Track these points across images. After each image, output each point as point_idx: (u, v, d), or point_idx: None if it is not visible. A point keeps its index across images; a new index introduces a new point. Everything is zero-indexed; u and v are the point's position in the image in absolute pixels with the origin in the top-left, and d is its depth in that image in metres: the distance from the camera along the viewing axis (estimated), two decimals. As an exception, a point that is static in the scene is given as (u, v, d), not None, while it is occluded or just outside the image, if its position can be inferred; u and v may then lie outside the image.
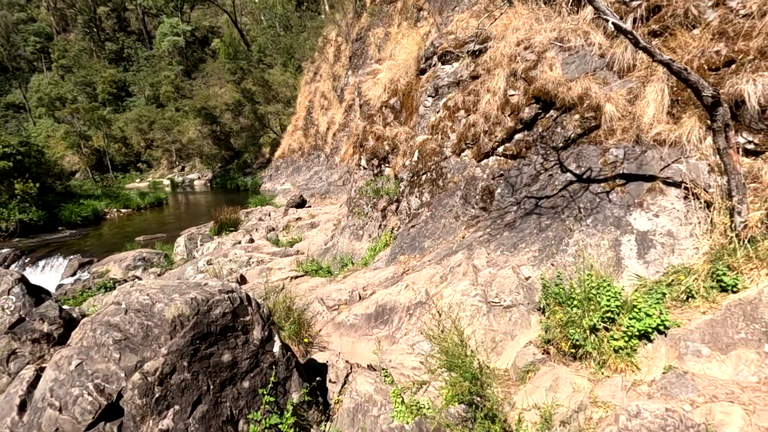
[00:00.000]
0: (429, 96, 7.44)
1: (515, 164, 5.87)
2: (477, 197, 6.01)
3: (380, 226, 7.88)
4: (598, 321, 3.19)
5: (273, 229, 11.02)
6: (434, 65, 7.58)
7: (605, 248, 4.08)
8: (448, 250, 5.57)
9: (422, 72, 7.86)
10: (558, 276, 3.92)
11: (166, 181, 43.67)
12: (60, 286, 9.68)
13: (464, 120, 6.60)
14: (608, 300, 3.22)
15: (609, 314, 3.19)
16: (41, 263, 12.27)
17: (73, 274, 10.72)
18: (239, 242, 9.32)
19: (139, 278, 8.00)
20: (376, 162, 8.39)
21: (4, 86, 61.56)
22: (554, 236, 4.50)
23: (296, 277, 6.25)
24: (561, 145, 5.34)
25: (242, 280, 6.68)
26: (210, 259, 8.39)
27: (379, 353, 3.98)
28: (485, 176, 6.12)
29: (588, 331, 3.23)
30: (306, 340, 4.47)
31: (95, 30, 66.58)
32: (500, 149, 6.07)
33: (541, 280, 4.01)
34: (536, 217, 4.92)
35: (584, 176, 4.85)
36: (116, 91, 59.06)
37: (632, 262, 3.92)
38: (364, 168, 8.69)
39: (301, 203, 15.27)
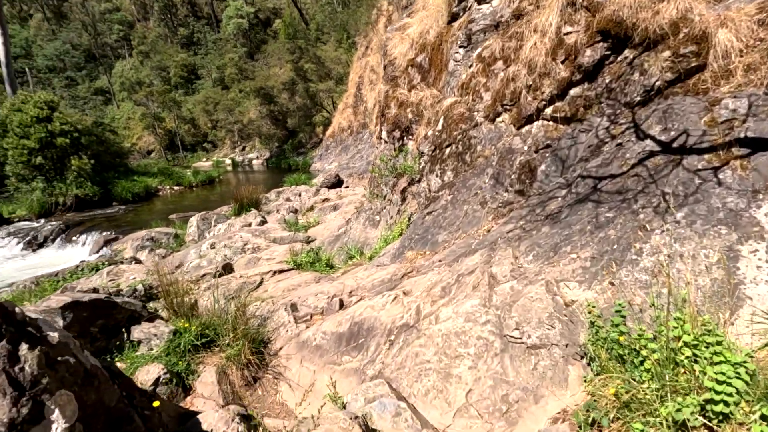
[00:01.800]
0: (460, 47, 5.82)
1: (568, 130, 4.17)
2: (513, 176, 4.42)
3: (399, 211, 6.51)
4: (692, 415, 1.64)
5: (296, 211, 10.07)
6: (469, 7, 5.91)
7: (710, 263, 2.41)
8: (466, 248, 4.09)
9: (454, 18, 6.22)
10: (620, 306, 2.35)
11: (228, 161, 45.25)
12: (82, 261, 9.51)
13: (502, 74, 4.95)
14: (719, 375, 1.64)
15: (718, 405, 1.62)
16: (81, 238, 12.44)
17: (98, 251, 10.61)
18: (249, 224, 8.45)
19: (138, 260, 7.43)
20: (397, 134, 6.95)
21: (93, 73, 67.10)
22: (618, 238, 2.87)
23: (282, 271, 5.15)
24: (638, 99, 3.58)
25: (228, 269, 5.72)
26: (214, 242, 7.58)
27: (334, 401, 2.71)
28: (525, 148, 4.49)
29: (671, 430, 1.69)
30: (247, 362, 3.31)
31: (170, 16, 70.23)
32: (548, 110, 4.39)
33: (591, 311, 2.46)
34: (593, 207, 3.28)
35: (674, 144, 3.11)
36: (187, 75, 62.05)
37: (762, 290, 2.23)
38: (385, 141, 7.29)
39: (336, 183, 14.24)
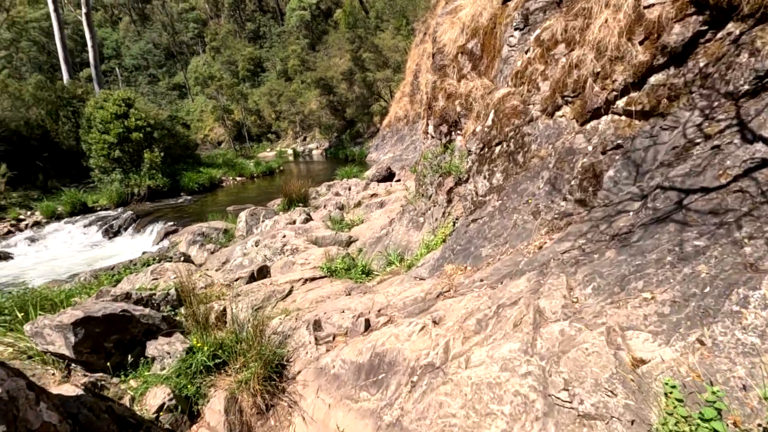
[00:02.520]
0: (516, 29, 5.09)
1: (645, 127, 3.40)
2: (573, 182, 3.73)
3: (444, 213, 5.97)
4: None
5: (342, 207, 9.85)
6: (528, -18, 5.14)
7: None
8: (512, 267, 3.50)
9: (511, -4, 5.47)
10: (713, 377, 1.71)
11: (290, 151, 46.72)
12: (144, 253, 10.06)
13: (563, 59, 4.20)
14: None
15: None
16: (148, 228, 13.27)
17: (160, 242, 11.19)
18: (293, 221, 8.35)
19: (188, 256, 7.61)
20: (445, 128, 6.37)
21: (172, 69, 72.24)
22: (713, 277, 2.17)
23: (313, 279, 4.88)
24: (746, 88, 2.75)
25: (263, 273, 5.58)
26: (259, 239, 7.55)
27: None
28: (590, 148, 3.76)
29: None
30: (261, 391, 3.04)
31: (239, 12, 73.46)
32: (620, 102, 3.62)
33: (667, 378, 1.84)
34: (676, 230, 2.57)
35: (801, 150, 2.30)
36: (253, 68, 64.72)
37: None
38: (432, 136, 6.74)
39: (387, 176, 13.86)
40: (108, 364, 3.06)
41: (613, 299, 2.47)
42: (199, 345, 3.15)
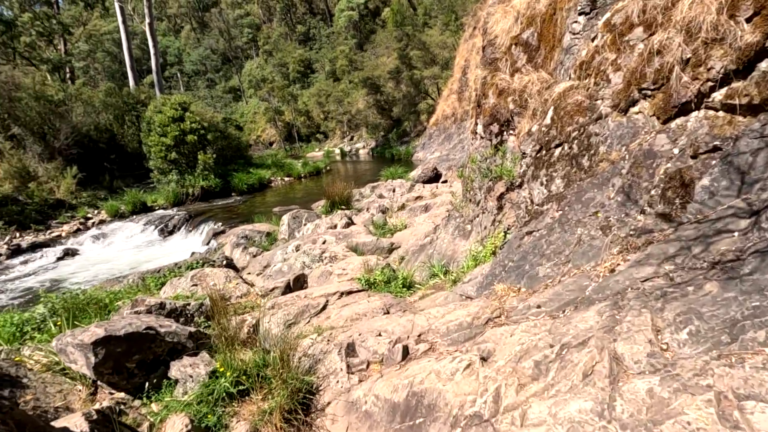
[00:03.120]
0: (580, 13, 4.46)
1: (754, 125, 2.73)
2: (653, 192, 3.12)
3: (494, 221, 5.44)
4: None
5: (385, 210, 9.52)
6: (595, -41, 4.48)
7: None
8: (577, 293, 2.96)
9: (574, -24, 4.82)
10: None
11: (337, 150, 47.28)
12: (193, 253, 10.31)
13: (641, 45, 3.55)
14: None
15: None
16: (199, 228, 13.69)
17: (208, 242, 11.45)
18: (334, 226, 8.11)
19: (230, 259, 7.60)
20: (495, 128, 5.81)
21: (228, 73, 75.69)
22: None
23: (350, 292, 4.55)
24: None
25: (300, 283, 5.33)
26: (299, 244, 7.39)
27: None
28: (676, 151, 3.12)
29: None
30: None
31: (290, 16, 75.51)
32: (717, 95, 2.95)
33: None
34: (810, 262, 1.94)
35: None
36: (303, 69, 66.21)
37: None
38: (481, 137, 6.20)
39: (433, 177, 13.36)
40: (129, 385, 2.91)
41: (720, 352, 1.90)
42: (221, 369, 2.92)
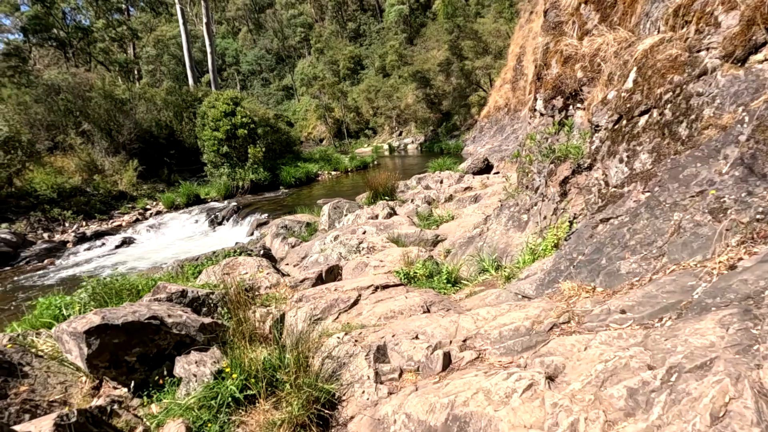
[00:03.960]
0: (675, -52, 3.58)
1: None
2: (791, 162, 2.27)
3: (555, 210, 4.66)
4: None
5: (431, 202, 8.87)
6: None
7: None
8: (679, 296, 2.21)
9: None
10: None
11: (385, 146, 47.04)
12: (236, 243, 10.27)
13: (770, -30, 2.68)
14: None
15: None
16: (245, 220, 13.79)
17: (252, 233, 11.40)
18: (376, 216, 7.59)
19: (268, 249, 7.32)
20: (559, 102, 5.00)
21: (281, 72, 77.89)
22: None
23: (386, 287, 3.99)
24: None
25: (333, 275, 4.85)
26: (338, 234, 6.96)
27: None
28: (829, 105, 2.26)
29: None
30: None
31: (341, 13, 76.23)
32: None
33: None
34: None
35: None
36: (353, 66, 66.56)
37: None
38: (541, 113, 5.40)
39: (484, 168, 12.50)
40: (129, 381, 2.57)
41: None
42: (227, 370, 2.49)
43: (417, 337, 2.91)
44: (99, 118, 20.60)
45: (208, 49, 28.75)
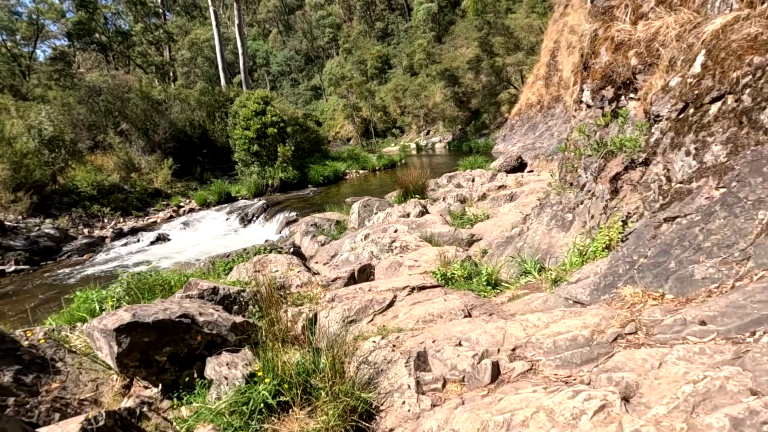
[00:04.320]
0: None
1: None
2: None
3: (605, 209, 4.32)
4: None
5: (464, 200, 8.58)
6: None
7: None
8: (776, 307, 1.89)
9: None
10: None
11: (413, 145, 46.74)
12: (266, 241, 10.29)
13: None
14: None
15: None
16: (274, 218, 13.86)
17: (281, 231, 11.41)
18: (407, 214, 7.37)
19: (298, 247, 7.24)
20: (609, 92, 4.64)
21: (310, 73, 78.77)
22: None
23: (422, 288, 3.77)
24: None
25: (365, 274, 4.67)
26: (368, 233, 6.80)
27: None
28: None
29: None
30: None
31: (369, 13, 76.36)
32: None
33: None
34: None
35: None
36: (381, 65, 66.51)
37: None
38: (588, 105, 5.04)
39: (518, 167, 12.07)
40: (159, 382, 2.47)
41: None
42: (260, 374, 2.34)
43: (460, 344, 2.69)
44: (136, 118, 21.30)
45: (240, 50, 29.27)
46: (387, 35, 71.88)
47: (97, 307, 5.52)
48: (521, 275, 4.35)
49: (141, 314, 2.46)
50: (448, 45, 58.98)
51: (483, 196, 8.64)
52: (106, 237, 14.72)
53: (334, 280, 4.37)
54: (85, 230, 15.27)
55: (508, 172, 11.62)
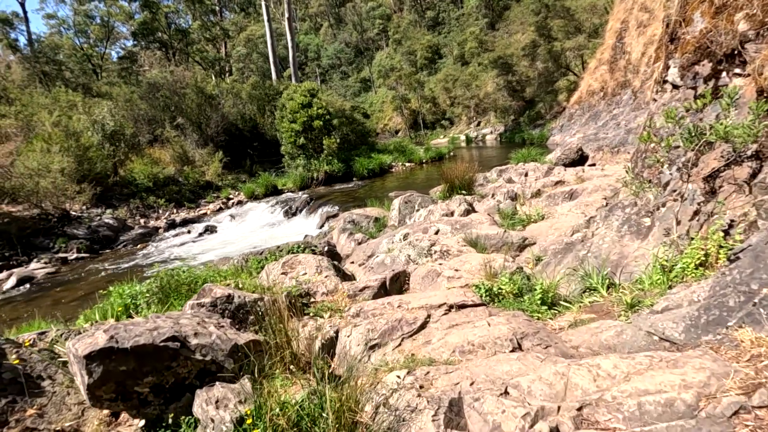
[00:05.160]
0: None
1: None
2: None
3: (696, 214, 3.46)
4: None
5: (515, 197, 7.76)
6: None
7: None
8: None
9: None
10: None
11: (462, 137, 45.43)
12: (306, 236, 10.04)
13: None
14: None
15: None
16: (319, 211, 13.66)
17: (322, 225, 11.12)
18: (451, 213, 6.68)
19: (333, 246, 6.82)
20: (705, 67, 3.72)
21: (359, 65, 78.79)
22: None
23: (461, 306, 3.13)
24: None
25: (398, 283, 4.09)
26: (408, 233, 6.24)
27: None
28: None
29: None
30: None
31: (419, 2, 74.83)
32: None
33: None
34: None
35: None
36: (431, 55, 65.09)
37: None
38: (674, 86, 4.12)
39: (577, 160, 10.92)
40: (141, 416, 2.09)
41: None
42: (249, 422, 1.89)
43: (506, 393, 2.08)
44: (191, 112, 22.05)
45: (289, 44, 29.53)
46: (438, 24, 70.14)
47: (131, 303, 5.43)
48: (585, 292, 3.61)
49: (121, 336, 2.09)
50: (502, 32, 56.40)
51: (537, 193, 7.77)
52: (160, 227, 15.30)
53: (362, 290, 3.86)
54: (141, 220, 15.99)
55: (566, 165, 10.54)
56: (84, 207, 15.32)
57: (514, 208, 6.89)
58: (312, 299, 3.99)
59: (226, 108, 24.03)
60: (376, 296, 3.78)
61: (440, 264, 4.26)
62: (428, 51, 64.60)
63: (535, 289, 3.50)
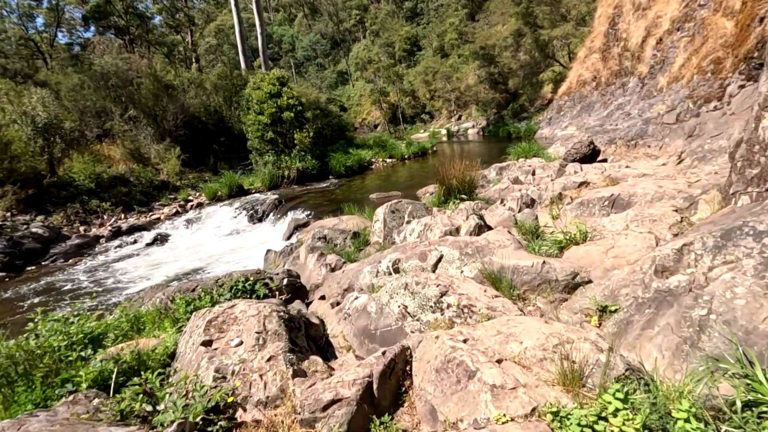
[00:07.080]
0: None
1: None
2: None
3: None
4: None
5: (531, 204, 6.11)
6: None
7: None
8: None
9: None
10: None
11: (443, 131, 44.00)
12: (268, 251, 8.13)
13: None
14: None
15: None
16: (289, 215, 11.74)
17: (289, 237, 9.23)
18: (456, 229, 4.95)
19: (294, 276, 4.98)
20: None
21: (336, 57, 76.27)
22: None
23: None
24: None
25: (395, 379, 2.32)
26: (398, 258, 4.49)
27: None
28: None
29: None
30: None
31: (397, -8, 72.70)
32: None
33: None
34: None
35: None
36: (409, 47, 63.25)
37: None
38: None
39: (589, 155, 9.36)
40: None
41: None
42: None
43: None
44: (145, 103, 19.61)
45: (258, 30, 27.20)
46: (416, 15, 68.33)
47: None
48: (749, 408, 1.91)
49: None
50: (482, 23, 55.11)
51: (558, 197, 6.12)
52: (102, 236, 13.06)
53: (327, 407, 2.07)
54: (81, 228, 13.68)
55: (576, 161, 8.97)
56: (8, 214, 12.90)
57: (536, 219, 5.20)
58: (236, 420, 2.16)
59: (189, 99, 21.63)
60: (351, 420, 1.99)
61: (463, 338, 2.46)
62: (407, 43, 62.75)
63: (658, 401, 1.76)
